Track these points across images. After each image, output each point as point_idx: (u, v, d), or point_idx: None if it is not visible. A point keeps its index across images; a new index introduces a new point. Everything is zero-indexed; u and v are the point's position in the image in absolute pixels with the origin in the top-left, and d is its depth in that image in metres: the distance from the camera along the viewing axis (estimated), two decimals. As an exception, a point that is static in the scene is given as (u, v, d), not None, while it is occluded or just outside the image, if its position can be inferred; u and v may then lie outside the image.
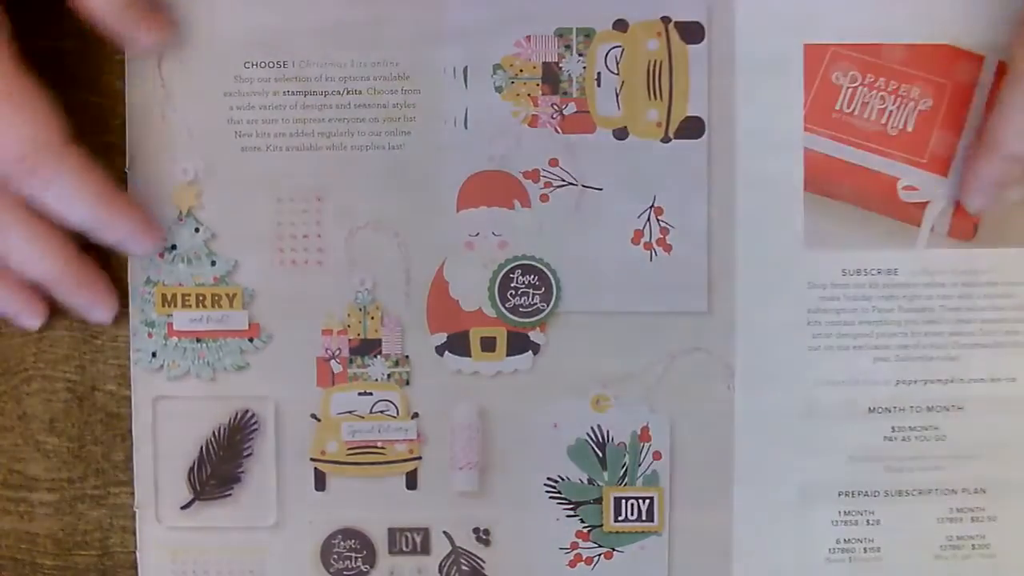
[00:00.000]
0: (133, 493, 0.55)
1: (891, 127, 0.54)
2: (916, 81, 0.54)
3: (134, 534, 0.55)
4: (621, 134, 0.54)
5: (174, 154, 0.54)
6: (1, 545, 0.56)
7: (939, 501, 0.55)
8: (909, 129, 0.54)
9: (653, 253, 0.54)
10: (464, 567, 0.55)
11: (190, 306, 0.54)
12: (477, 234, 0.54)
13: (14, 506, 0.56)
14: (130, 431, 0.54)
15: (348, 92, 0.54)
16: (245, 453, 0.54)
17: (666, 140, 0.54)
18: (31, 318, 0.53)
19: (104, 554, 0.56)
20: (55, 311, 0.54)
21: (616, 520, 0.55)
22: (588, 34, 0.54)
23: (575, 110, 0.54)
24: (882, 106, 0.54)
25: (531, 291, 0.54)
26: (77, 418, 0.55)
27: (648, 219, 0.54)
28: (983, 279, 0.54)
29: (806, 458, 0.55)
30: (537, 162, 0.54)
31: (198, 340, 0.54)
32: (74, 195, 0.49)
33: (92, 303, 0.53)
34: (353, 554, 0.55)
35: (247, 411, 0.54)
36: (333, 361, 0.54)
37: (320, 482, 0.54)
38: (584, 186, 0.54)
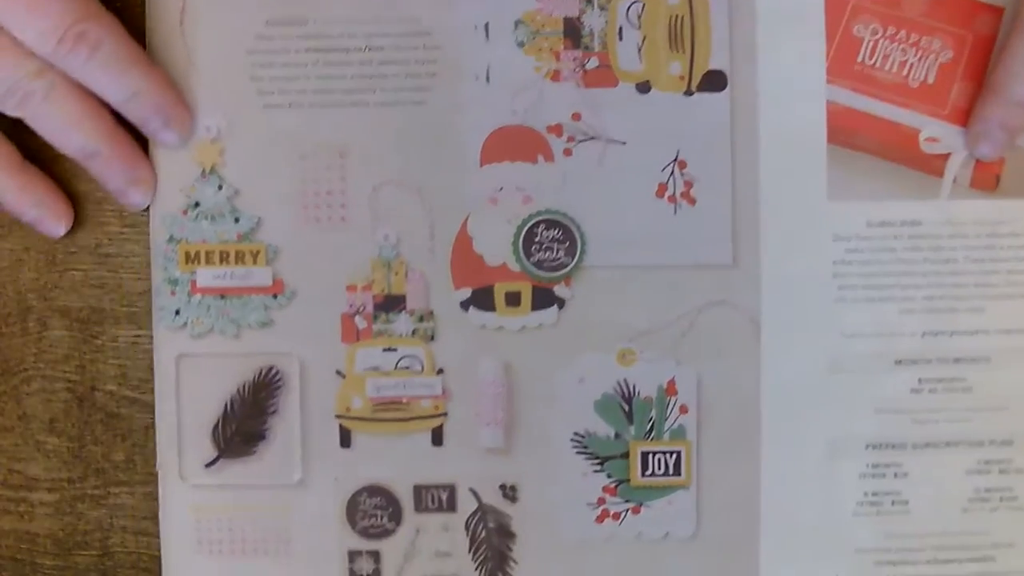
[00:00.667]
0: (133, 493, 0.55)
1: (912, 79, 0.54)
2: (937, 33, 0.54)
3: (135, 534, 0.55)
4: (644, 88, 0.54)
5: (197, 112, 0.53)
6: (1, 545, 0.55)
7: (967, 453, 0.55)
8: (930, 81, 0.54)
9: (677, 206, 0.54)
10: (491, 524, 0.54)
11: (214, 263, 0.54)
12: (501, 189, 0.54)
13: (14, 506, 0.55)
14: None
15: (370, 49, 0.54)
16: (270, 410, 0.54)
17: (689, 93, 0.54)
18: (55, 223, 0.53)
19: (104, 554, 0.55)
20: (56, 309, 0.54)
21: (643, 475, 0.54)
22: (609, -11, 0.54)
23: (597, 64, 0.54)
24: (903, 58, 0.54)
25: (555, 245, 0.54)
26: (77, 418, 0.55)
27: (672, 172, 0.54)
28: (1006, 230, 0.54)
29: (833, 411, 0.54)
30: (560, 116, 0.54)
31: (222, 297, 0.54)
32: (119, 60, 0.50)
33: (130, 180, 0.53)
34: (379, 512, 0.54)
35: (271, 368, 0.54)
36: (358, 317, 0.54)
37: (345, 439, 0.54)
38: (607, 140, 0.54)
